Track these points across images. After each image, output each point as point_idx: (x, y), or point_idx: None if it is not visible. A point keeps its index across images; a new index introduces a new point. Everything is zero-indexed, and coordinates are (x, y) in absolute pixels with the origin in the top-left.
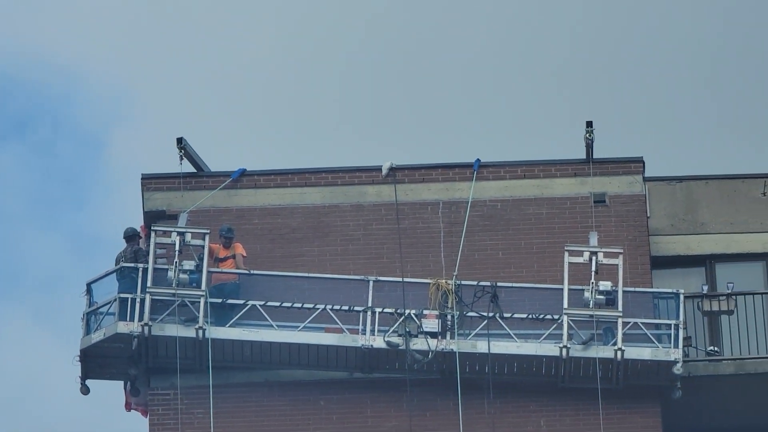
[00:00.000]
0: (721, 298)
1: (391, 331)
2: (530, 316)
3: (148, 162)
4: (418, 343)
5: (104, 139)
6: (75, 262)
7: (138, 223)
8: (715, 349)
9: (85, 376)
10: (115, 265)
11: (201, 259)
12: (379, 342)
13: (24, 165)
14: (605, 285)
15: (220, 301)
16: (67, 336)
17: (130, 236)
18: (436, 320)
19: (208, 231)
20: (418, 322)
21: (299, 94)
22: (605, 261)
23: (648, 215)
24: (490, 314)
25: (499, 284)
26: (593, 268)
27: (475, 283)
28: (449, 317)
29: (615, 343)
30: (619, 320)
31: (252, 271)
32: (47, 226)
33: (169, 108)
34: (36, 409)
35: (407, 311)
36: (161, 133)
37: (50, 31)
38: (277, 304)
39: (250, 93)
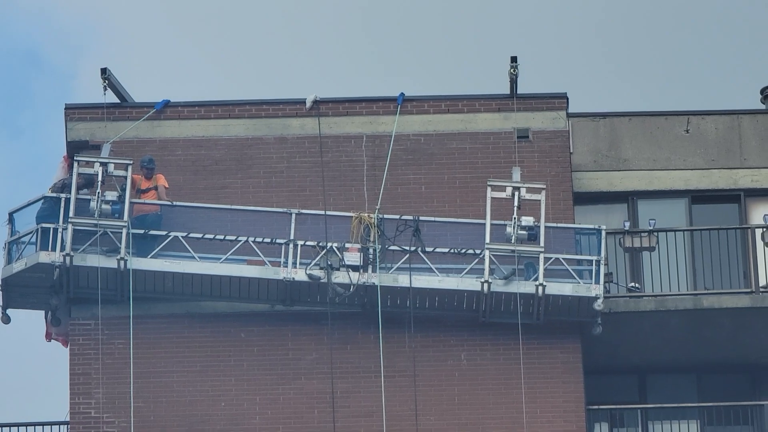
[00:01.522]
0: (642, 234)
1: (312, 264)
2: (452, 251)
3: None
4: (340, 277)
5: (72, 71)
6: (13, 188)
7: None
8: (636, 285)
9: (6, 306)
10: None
11: (123, 190)
12: (300, 275)
13: None
14: (527, 220)
15: (142, 232)
16: None
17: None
18: (358, 254)
19: (131, 162)
20: (339, 255)
21: (226, 26)
22: (528, 196)
23: (571, 151)
24: (412, 248)
25: (421, 218)
26: (516, 204)
27: (397, 217)
28: (371, 251)
29: (536, 279)
30: (541, 256)
31: (174, 203)
32: None
33: (128, 42)
34: None
35: (329, 244)
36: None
37: None
38: (200, 235)
39: (181, 25)
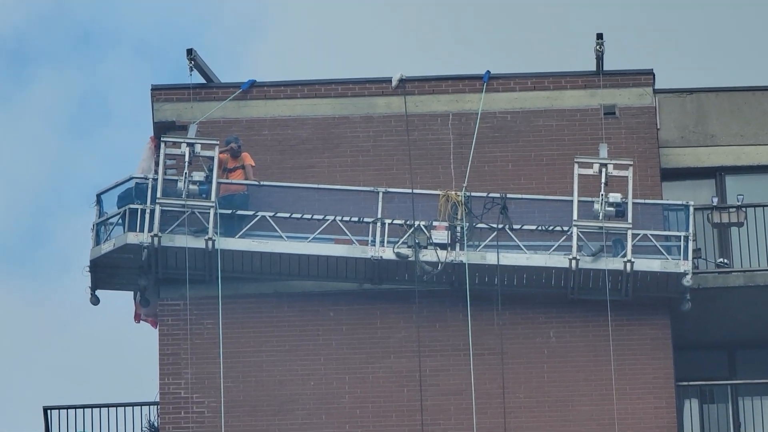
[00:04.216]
0: (731, 210)
1: (400, 242)
2: (540, 228)
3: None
4: (428, 255)
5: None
6: None
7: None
8: (725, 261)
9: (94, 287)
10: None
11: (210, 170)
12: (388, 253)
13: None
14: (615, 197)
15: (229, 212)
16: None
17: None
18: (446, 232)
19: (218, 142)
20: (427, 233)
21: (312, 5)
22: (615, 173)
23: (658, 127)
24: (500, 226)
25: (508, 196)
26: (603, 180)
27: (484, 194)
28: (459, 229)
29: (624, 255)
30: (629, 232)
31: (261, 182)
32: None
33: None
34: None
35: (417, 222)
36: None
37: None
38: (287, 215)
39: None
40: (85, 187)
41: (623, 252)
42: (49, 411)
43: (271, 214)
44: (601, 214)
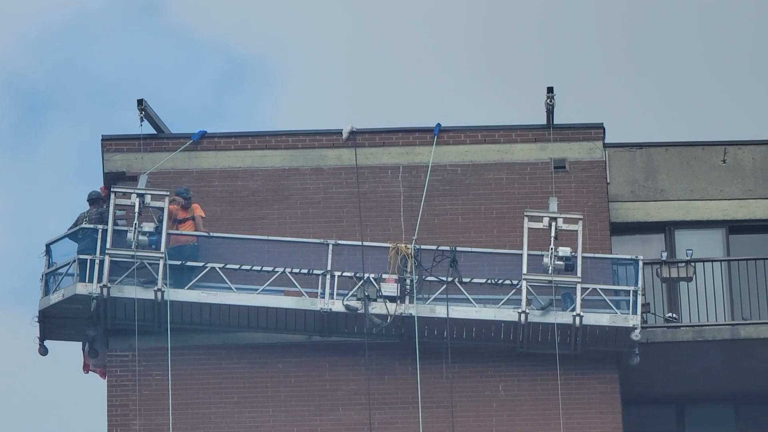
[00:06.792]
0: (680, 264)
1: (350, 294)
2: (489, 281)
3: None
4: (377, 307)
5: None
6: None
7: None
8: (674, 315)
9: (43, 337)
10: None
11: (160, 221)
12: (338, 306)
13: None
14: (564, 251)
15: (179, 263)
16: None
17: (94, 199)
18: (395, 284)
19: (168, 193)
20: (377, 286)
21: (264, 54)
22: (565, 227)
23: (608, 181)
24: (449, 279)
25: (458, 249)
26: (552, 234)
27: (434, 247)
28: (408, 281)
29: (573, 309)
30: (578, 286)
31: (211, 234)
32: None
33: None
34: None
35: (366, 275)
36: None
37: None
38: (237, 266)
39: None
40: None
41: (572, 306)
42: None
43: (221, 265)
44: (550, 268)
